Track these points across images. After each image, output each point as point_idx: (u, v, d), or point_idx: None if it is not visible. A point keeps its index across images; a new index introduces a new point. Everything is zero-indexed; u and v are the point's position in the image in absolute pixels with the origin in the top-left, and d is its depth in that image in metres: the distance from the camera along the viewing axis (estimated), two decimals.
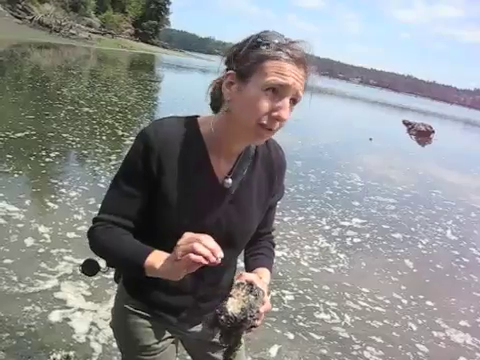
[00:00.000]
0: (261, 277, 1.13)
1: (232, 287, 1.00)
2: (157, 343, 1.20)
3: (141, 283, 1.14)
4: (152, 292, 1.15)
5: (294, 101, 0.99)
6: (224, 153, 1.08)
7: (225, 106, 1.03)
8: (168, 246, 1.01)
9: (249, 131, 1.00)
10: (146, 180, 1.04)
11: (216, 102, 1.10)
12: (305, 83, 0.99)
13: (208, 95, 1.11)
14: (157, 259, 0.98)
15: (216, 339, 1.24)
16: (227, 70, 1.03)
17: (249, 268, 1.22)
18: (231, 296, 0.97)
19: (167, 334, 1.22)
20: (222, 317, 0.95)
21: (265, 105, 0.96)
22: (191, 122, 1.08)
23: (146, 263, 0.98)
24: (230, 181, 1.09)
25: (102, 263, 1.21)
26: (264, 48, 0.95)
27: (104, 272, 1.24)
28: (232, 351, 1.04)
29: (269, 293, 1.10)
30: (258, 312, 0.98)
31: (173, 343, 1.26)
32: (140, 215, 1.07)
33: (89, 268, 1.23)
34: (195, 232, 0.98)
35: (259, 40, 0.97)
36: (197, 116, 1.11)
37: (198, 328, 1.24)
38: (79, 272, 1.27)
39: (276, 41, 0.96)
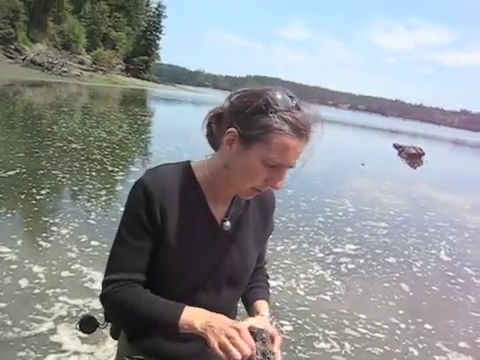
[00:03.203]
0: (259, 311, 1.16)
1: None
2: None
3: (150, 335, 1.12)
4: (162, 343, 1.11)
5: (289, 167, 1.03)
6: (220, 197, 1.12)
7: (223, 160, 1.05)
8: (170, 290, 1.05)
9: (240, 191, 1.07)
10: (151, 230, 1.05)
11: (213, 138, 1.10)
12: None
13: (204, 128, 1.12)
14: (195, 317, 0.99)
15: None
16: (226, 110, 1.04)
17: (247, 301, 1.24)
18: None
19: None
20: None
21: (263, 176, 1.01)
22: (186, 169, 1.11)
23: (181, 321, 0.98)
24: (228, 224, 1.12)
25: (99, 319, 1.21)
26: (271, 116, 0.95)
27: (103, 328, 1.23)
28: None
29: (272, 321, 1.12)
30: (273, 353, 0.98)
31: None
32: (148, 265, 1.08)
33: (88, 325, 1.22)
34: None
35: (267, 105, 0.96)
36: (189, 162, 1.13)
37: None
38: (77, 328, 1.23)
39: (283, 108, 0.96)
